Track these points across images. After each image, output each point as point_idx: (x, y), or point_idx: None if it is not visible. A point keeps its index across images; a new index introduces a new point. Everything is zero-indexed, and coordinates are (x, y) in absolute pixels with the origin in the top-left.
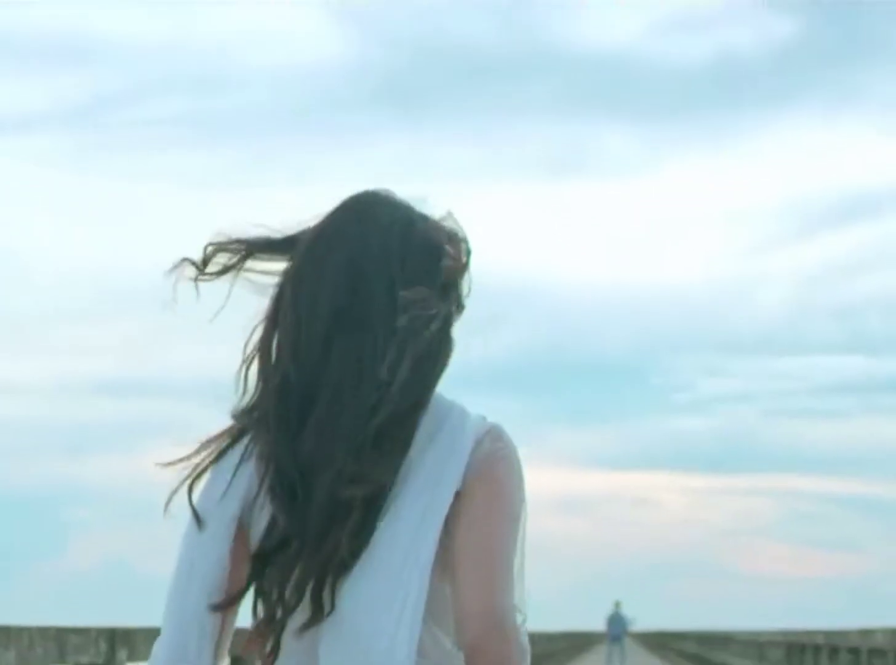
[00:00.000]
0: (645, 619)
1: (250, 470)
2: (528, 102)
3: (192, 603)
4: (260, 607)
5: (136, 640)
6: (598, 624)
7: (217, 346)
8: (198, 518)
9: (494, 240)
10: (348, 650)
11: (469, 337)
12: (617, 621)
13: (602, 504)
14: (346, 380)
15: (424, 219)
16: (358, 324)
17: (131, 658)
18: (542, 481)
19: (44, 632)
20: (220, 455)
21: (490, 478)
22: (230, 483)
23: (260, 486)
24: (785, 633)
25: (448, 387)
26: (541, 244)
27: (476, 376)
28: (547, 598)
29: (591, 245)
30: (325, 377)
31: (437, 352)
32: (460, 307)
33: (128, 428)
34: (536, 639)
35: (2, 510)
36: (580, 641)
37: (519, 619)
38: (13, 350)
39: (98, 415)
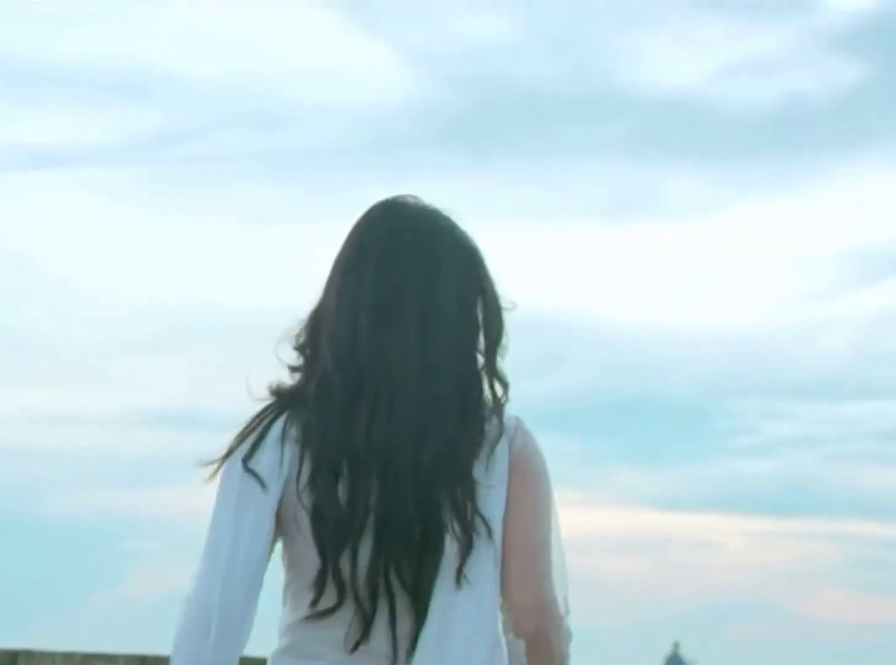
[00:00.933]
0: (705, 661)
1: (291, 450)
2: (592, 144)
3: (235, 579)
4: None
5: None
6: None
7: (272, 376)
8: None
9: (555, 280)
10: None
11: (528, 378)
12: (676, 663)
13: (663, 545)
14: (391, 373)
15: (454, 225)
16: (394, 322)
17: None
18: (604, 521)
19: (68, 657)
20: (265, 432)
21: (529, 473)
22: (275, 464)
23: (300, 469)
24: None
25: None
26: (601, 285)
27: (537, 415)
28: (607, 639)
29: (651, 287)
30: (370, 370)
31: (475, 349)
32: (500, 312)
33: (185, 459)
34: None
35: (63, 539)
36: None
37: (562, 607)
38: (78, 381)
39: (156, 446)
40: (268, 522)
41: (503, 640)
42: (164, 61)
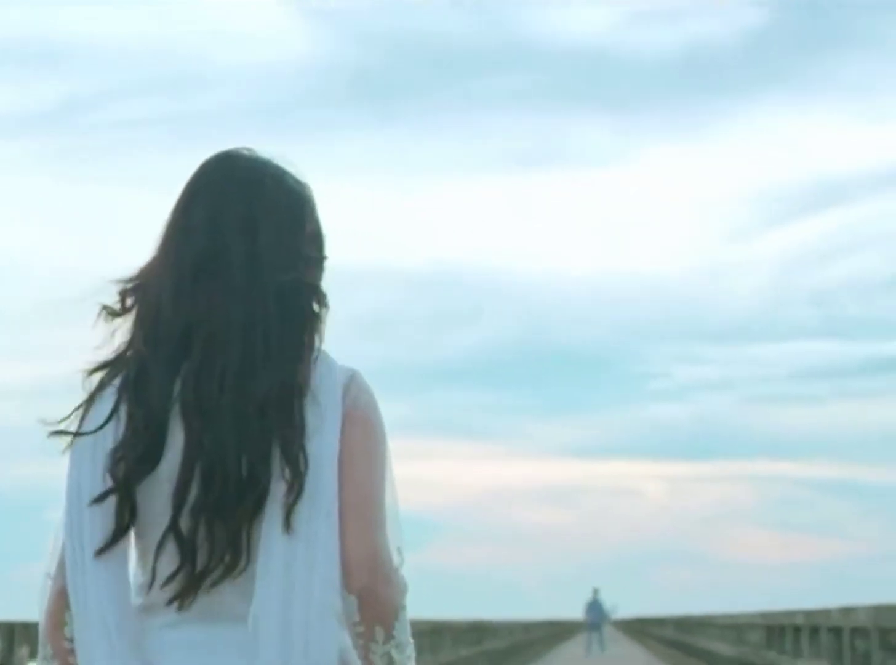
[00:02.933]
0: (626, 606)
1: (123, 410)
2: (501, 96)
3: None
4: (165, 560)
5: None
6: (578, 613)
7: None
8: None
9: (468, 234)
10: (280, 596)
11: (447, 331)
12: (595, 609)
13: (581, 494)
14: (215, 325)
15: (283, 173)
16: (219, 274)
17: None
18: (523, 473)
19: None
20: (98, 398)
21: (362, 424)
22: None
23: (127, 428)
24: (764, 615)
25: (427, 379)
26: (515, 237)
27: (454, 369)
28: (528, 588)
29: (565, 236)
30: (196, 323)
31: (306, 302)
32: (323, 258)
33: None
34: (516, 627)
35: None
36: (560, 630)
37: (397, 560)
38: None
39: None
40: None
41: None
42: (66, 28)
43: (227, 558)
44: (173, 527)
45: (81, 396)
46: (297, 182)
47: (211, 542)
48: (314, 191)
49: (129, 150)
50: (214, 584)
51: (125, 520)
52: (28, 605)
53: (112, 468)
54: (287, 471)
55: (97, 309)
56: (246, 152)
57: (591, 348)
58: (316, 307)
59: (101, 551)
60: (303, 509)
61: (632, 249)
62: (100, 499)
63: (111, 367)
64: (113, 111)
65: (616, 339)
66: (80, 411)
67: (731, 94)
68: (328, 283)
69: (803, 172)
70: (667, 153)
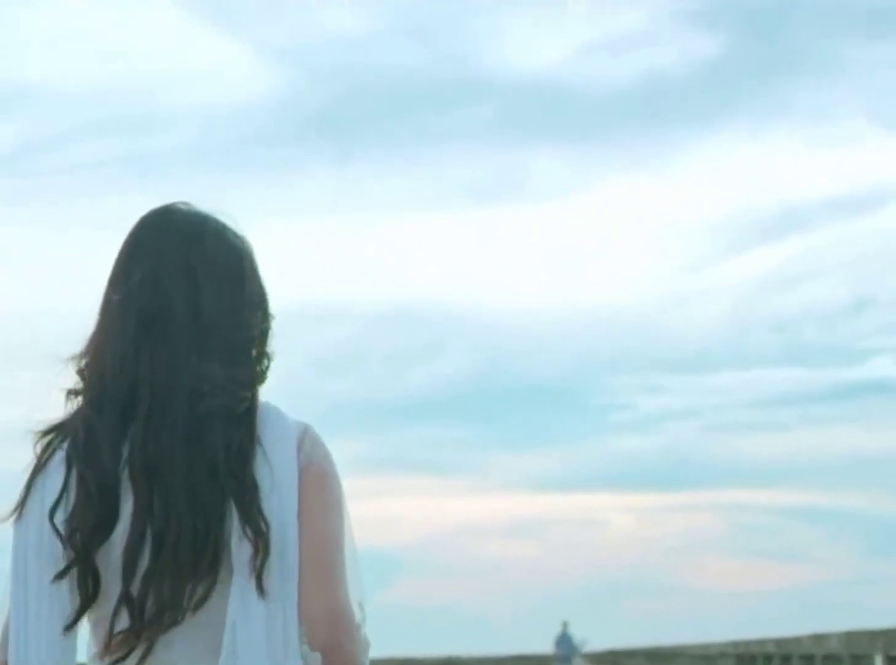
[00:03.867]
0: (597, 639)
1: (71, 478)
2: (456, 131)
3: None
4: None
5: None
6: (548, 646)
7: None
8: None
9: (428, 269)
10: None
11: (408, 367)
12: (565, 642)
13: (548, 527)
14: (160, 385)
15: (223, 228)
16: (162, 331)
17: None
18: (488, 507)
19: None
20: (45, 470)
21: (318, 477)
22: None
23: (79, 495)
24: (735, 644)
25: (389, 416)
26: (474, 271)
27: (417, 405)
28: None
29: (524, 269)
30: (140, 384)
31: (249, 354)
32: (268, 315)
33: None
34: (486, 662)
35: None
36: (530, 664)
37: (359, 616)
38: None
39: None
40: (64, 584)
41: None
42: (24, 69)
43: (165, 617)
44: (125, 594)
45: (30, 458)
46: (237, 236)
47: (156, 599)
48: (273, 230)
49: (85, 192)
50: (154, 636)
51: (88, 591)
52: None
53: (69, 538)
54: (249, 532)
55: (54, 382)
56: (183, 207)
57: (554, 381)
58: (263, 363)
59: (70, 627)
60: (273, 570)
61: (592, 281)
62: (63, 574)
63: (60, 430)
64: (68, 154)
65: (578, 370)
66: (27, 480)
67: (688, 123)
68: (289, 320)
69: (762, 200)
70: (624, 184)
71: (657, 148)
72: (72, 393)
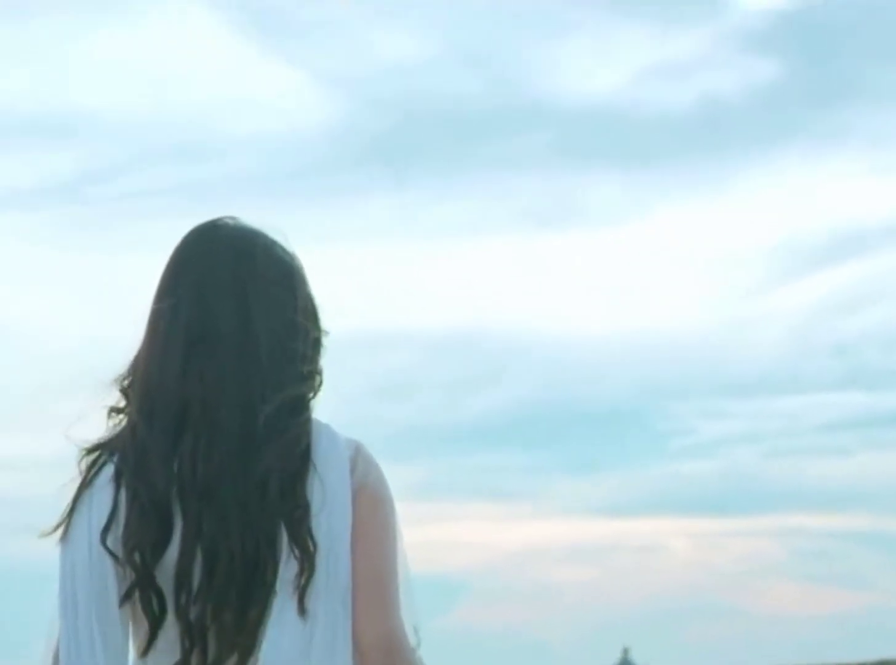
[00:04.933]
0: (657, 664)
1: (121, 499)
2: (515, 157)
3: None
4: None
5: None
6: None
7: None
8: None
9: (487, 296)
10: None
11: (468, 393)
12: None
13: (609, 552)
14: (209, 403)
15: (272, 243)
16: (210, 348)
17: None
18: (549, 532)
19: None
20: (91, 488)
21: (372, 499)
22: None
23: (133, 512)
24: None
25: (449, 442)
26: (534, 298)
27: (477, 431)
28: (557, 647)
29: (584, 295)
30: (190, 402)
31: (299, 371)
32: (320, 331)
33: None
34: None
35: (11, 587)
36: None
37: (413, 640)
38: (16, 427)
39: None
40: (115, 598)
41: None
42: (78, 100)
43: (238, 646)
44: (180, 614)
45: (75, 476)
46: (286, 252)
47: (219, 630)
48: (331, 256)
49: (140, 220)
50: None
51: (155, 612)
52: None
53: (128, 556)
54: (296, 550)
55: (99, 405)
56: (231, 221)
57: (614, 406)
58: (315, 380)
59: (146, 651)
60: (318, 590)
61: (651, 306)
62: (128, 595)
63: (106, 447)
64: (124, 182)
65: (639, 396)
66: (73, 497)
67: (745, 148)
68: (348, 346)
69: (820, 224)
70: (682, 209)
71: (715, 173)
72: (114, 410)
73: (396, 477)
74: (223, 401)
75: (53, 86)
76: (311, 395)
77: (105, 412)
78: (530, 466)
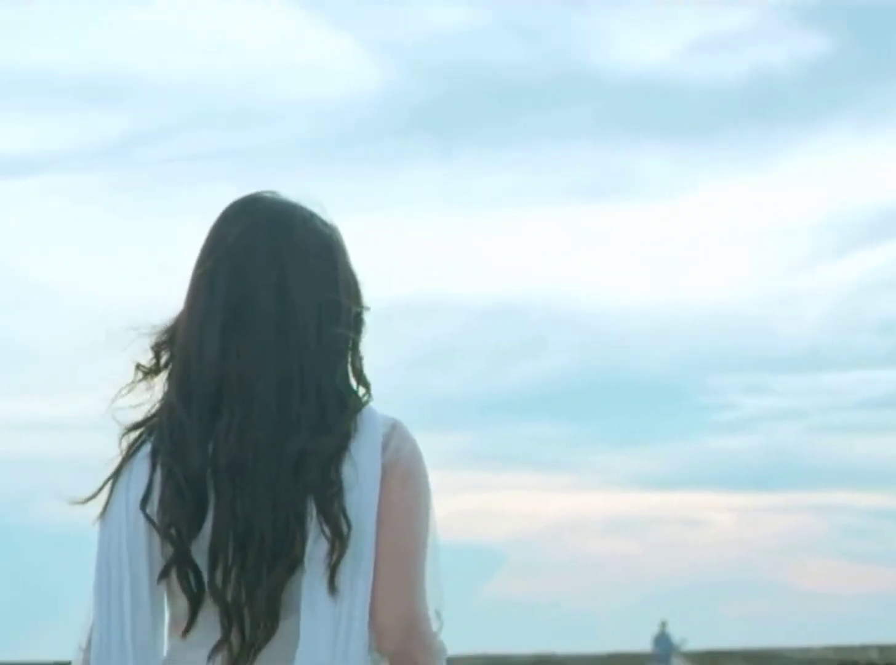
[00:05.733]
0: (695, 639)
1: (158, 474)
2: (562, 128)
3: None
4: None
5: None
6: (646, 645)
7: None
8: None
9: (532, 266)
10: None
11: (511, 363)
12: (663, 641)
13: (649, 525)
14: (246, 381)
15: (311, 216)
16: (249, 324)
17: None
18: (590, 504)
19: None
20: (131, 464)
21: (403, 475)
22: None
23: (169, 489)
24: (836, 649)
25: (492, 411)
26: (580, 268)
27: (520, 401)
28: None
29: (630, 267)
30: (227, 379)
31: (339, 348)
32: (360, 307)
33: None
34: (583, 660)
35: (53, 548)
36: (628, 662)
37: (435, 624)
38: (50, 388)
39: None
40: (152, 571)
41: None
42: (130, 64)
43: (267, 624)
44: (216, 594)
45: (115, 453)
46: (326, 225)
47: (251, 609)
48: (376, 224)
49: (188, 183)
50: (257, 653)
51: (193, 589)
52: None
53: (165, 531)
54: (327, 529)
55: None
56: (269, 195)
57: (658, 379)
58: (356, 357)
59: (188, 630)
60: (346, 568)
61: (697, 279)
62: (165, 572)
63: (146, 424)
64: (173, 145)
65: (682, 370)
66: (112, 478)
67: (794, 122)
68: (393, 314)
69: (868, 200)
70: (730, 183)
71: (764, 147)
72: (141, 369)
73: (439, 445)
74: (260, 378)
75: (105, 49)
76: (353, 372)
77: (134, 369)
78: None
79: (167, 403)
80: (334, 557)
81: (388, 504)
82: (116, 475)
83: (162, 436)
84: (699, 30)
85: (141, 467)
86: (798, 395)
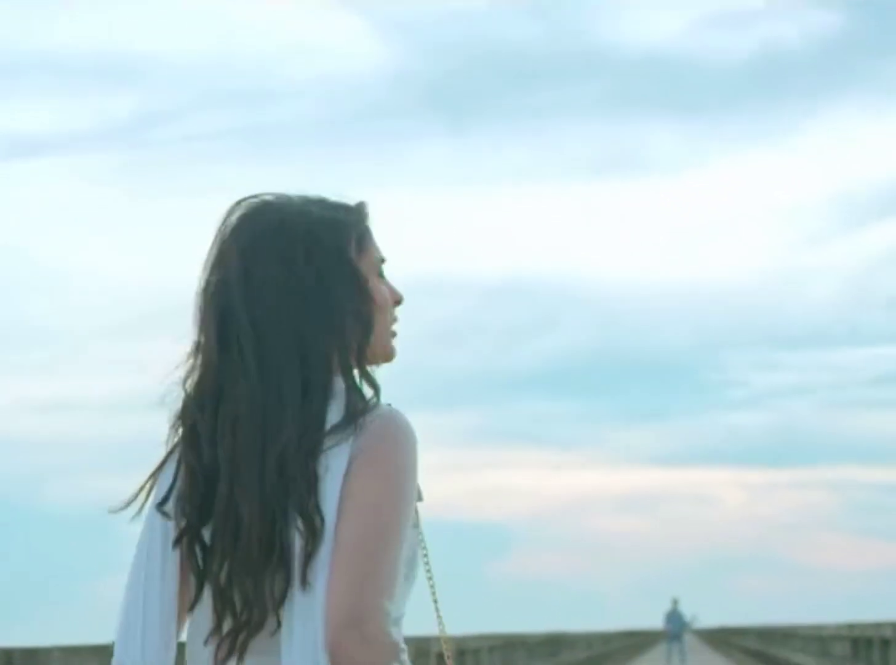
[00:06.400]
0: (707, 615)
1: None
2: (573, 104)
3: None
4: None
5: None
6: (658, 622)
7: None
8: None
9: (543, 243)
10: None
11: (523, 340)
12: (675, 619)
13: (661, 501)
14: (237, 401)
15: (319, 202)
16: (231, 346)
17: None
18: (601, 481)
19: (74, 651)
20: (157, 471)
21: (373, 462)
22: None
23: (185, 481)
24: (850, 627)
25: (503, 388)
26: (592, 244)
27: (532, 378)
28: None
29: (639, 243)
30: (224, 392)
31: (321, 373)
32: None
33: None
34: (594, 639)
35: (63, 527)
36: (640, 640)
37: (386, 619)
38: (66, 367)
39: (152, 429)
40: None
41: None
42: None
43: (254, 614)
44: (211, 578)
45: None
46: (330, 232)
47: (242, 597)
48: (388, 201)
49: (202, 162)
50: (245, 641)
51: (200, 565)
52: (90, 623)
53: (181, 511)
54: (300, 524)
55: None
56: (275, 202)
57: (668, 356)
58: (346, 369)
59: (192, 607)
60: (317, 562)
61: (707, 256)
62: (178, 540)
63: (178, 424)
64: (185, 125)
65: (693, 346)
66: (151, 481)
67: (806, 98)
68: (404, 292)
69: (879, 176)
70: (741, 159)
71: (775, 123)
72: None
73: (450, 423)
74: (246, 400)
75: (118, 30)
76: (332, 376)
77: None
78: (583, 414)
79: (188, 404)
80: (307, 552)
81: (350, 491)
82: (157, 471)
83: (184, 437)
84: (710, 5)
85: (170, 469)
86: (808, 372)
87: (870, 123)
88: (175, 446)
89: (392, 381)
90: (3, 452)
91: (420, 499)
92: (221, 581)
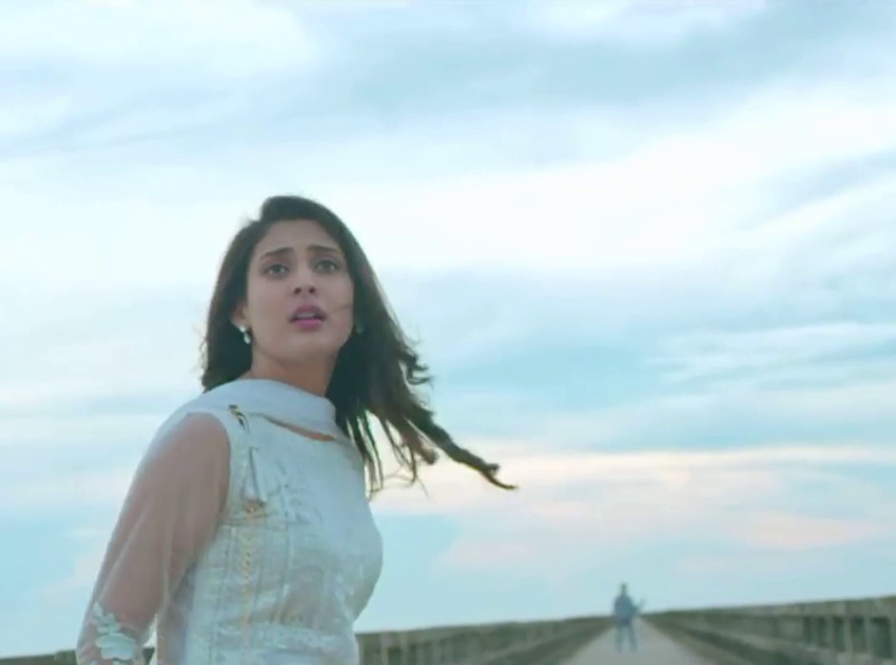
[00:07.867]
0: (656, 599)
1: None
2: (505, 94)
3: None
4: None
5: None
6: (607, 608)
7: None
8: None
9: (480, 234)
10: None
11: (463, 332)
12: (624, 604)
13: (605, 487)
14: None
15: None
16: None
17: None
18: (544, 469)
19: (43, 661)
20: None
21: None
22: None
23: None
24: (802, 606)
25: (444, 380)
26: (527, 234)
27: (473, 369)
28: (554, 585)
29: (577, 231)
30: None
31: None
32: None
33: (123, 443)
34: (544, 627)
35: (9, 534)
36: (590, 626)
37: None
38: (8, 374)
39: (93, 433)
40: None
41: None
42: (69, 46)
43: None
44: None
45: None
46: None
47: None
48: (322, 198)
49: (136, 164)
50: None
51: None
52: (44, 631)
53: None
54: None
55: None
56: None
57: (607, 342)
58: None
59: None
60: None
61: (643, 241)
62: None
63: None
64: (117, 127)
65: (631, 332)
66: None
67: (736, 81)
68: None
69: (812, 157)
70: (673, 144)
71: (705, 107)
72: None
73: None
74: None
75: (43, 33)
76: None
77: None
78: (524, 404)
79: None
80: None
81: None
82: None
83: None
84: None
85: None
86: (747, 353)
87: (801, 104)
88: None
89: None
90: None
91: (258, 498)
92: None
